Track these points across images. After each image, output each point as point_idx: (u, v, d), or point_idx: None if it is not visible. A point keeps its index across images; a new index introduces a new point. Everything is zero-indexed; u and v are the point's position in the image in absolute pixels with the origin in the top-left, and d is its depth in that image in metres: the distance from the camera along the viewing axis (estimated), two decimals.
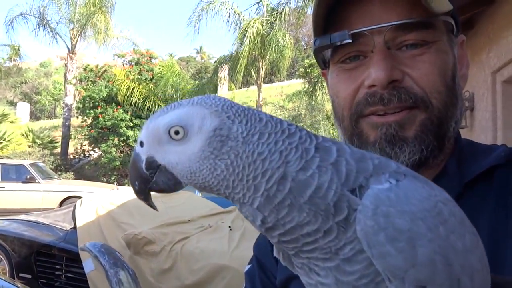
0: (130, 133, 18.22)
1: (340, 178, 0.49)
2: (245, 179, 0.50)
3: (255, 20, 15.24)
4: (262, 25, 15.23)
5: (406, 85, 0.64)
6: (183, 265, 4.15)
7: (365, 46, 0.66)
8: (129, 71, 18.56)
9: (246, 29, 15.22)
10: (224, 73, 17.78)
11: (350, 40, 0.64)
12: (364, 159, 0.52)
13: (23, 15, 20.60)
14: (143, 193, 0.56)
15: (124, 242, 4.26)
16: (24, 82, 49.63)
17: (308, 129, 0.53)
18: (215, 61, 20.86)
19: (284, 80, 32.44)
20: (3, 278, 3.79)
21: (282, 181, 0.49)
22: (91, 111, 18.53)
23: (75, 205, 5.40)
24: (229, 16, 16.09)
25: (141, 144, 0.54)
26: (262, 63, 15.93)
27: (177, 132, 0.51)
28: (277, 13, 15.03)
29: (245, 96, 26.89)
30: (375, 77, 0.63)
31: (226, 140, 0.50)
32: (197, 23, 16.22)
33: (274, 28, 15.01)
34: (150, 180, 0.55)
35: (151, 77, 18.65)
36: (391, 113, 0.64)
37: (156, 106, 17.38)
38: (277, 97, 27.92)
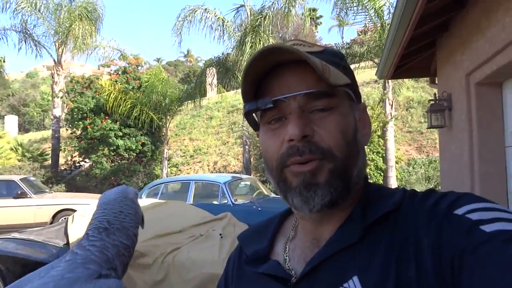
0: (120, 142, 18.18)
1: None
2: None
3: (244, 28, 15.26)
4: (246, 29, 15.33)
5: (316, 140, 0.79)
6: (175, 276, 4.22)
7: (284, 110, 0.81)
8: (116, 81, 18.51)
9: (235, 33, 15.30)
10: (212, 76, 17.80)
11: (272, 105, 0.80)
12: None
13: (3, 31, 20.18)
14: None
15: None
16: (11, 94, 49.11)
17: None
18: (203, 64, 20.86)
19: None
20: None
21: None
22: (80, 122, 18.44)
23: (67, 221, 5.44)
24: (213, 23, 16.18)
25: None
26: None
27: None
28: (261, 17, 15.13)
29: (234, 99, 26.94)
30: (291, 133, 0.78)
31: None
32: (181, 31, 16.27)
33: (259, 31, 15.10)
34: None
35: (139, 85, 18.62)
36: (305, 163, 0.79)
37: (144, 115, 17.36)
38: None
